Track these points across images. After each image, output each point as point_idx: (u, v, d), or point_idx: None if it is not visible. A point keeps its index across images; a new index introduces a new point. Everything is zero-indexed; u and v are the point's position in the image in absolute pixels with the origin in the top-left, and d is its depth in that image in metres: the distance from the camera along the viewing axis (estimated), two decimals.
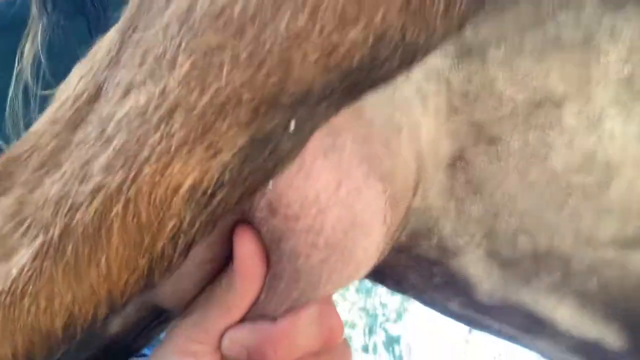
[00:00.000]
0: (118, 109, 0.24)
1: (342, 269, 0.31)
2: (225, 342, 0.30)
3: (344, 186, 0.29)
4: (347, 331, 2.56)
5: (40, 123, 0.28)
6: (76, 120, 0.27)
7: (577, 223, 0.32)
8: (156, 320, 0.37)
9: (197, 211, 0.23)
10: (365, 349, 2.58)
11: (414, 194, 0.34)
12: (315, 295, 0.30)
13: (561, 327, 0.35)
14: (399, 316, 2.97)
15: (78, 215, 0.23)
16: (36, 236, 0.24)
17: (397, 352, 2.61)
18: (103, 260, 0.23)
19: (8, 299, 0.23)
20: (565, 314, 0.34)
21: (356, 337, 2.58)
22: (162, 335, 0.36)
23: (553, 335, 0.35)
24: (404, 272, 0.38)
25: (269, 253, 0.29)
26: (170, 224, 0.23)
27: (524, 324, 0.36)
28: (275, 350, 0.30)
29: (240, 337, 0.30)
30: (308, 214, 0.28)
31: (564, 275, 0.34)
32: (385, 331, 2.78)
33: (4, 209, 0.25)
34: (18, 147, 0.28)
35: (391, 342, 2.68)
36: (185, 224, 0.23)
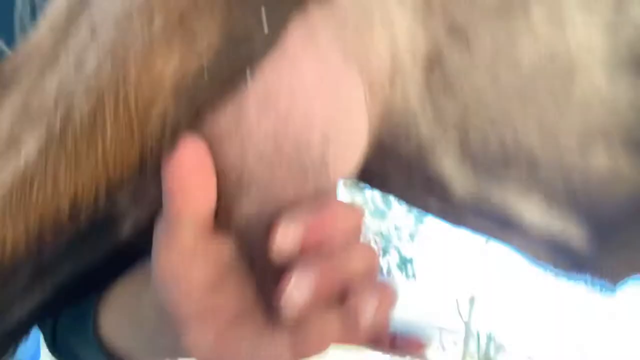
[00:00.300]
0: (107, 3, 0.26)
1: (342, 153, 0.32)
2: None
3: (326, 76, 0.31)
4: None
5: (41, 28, 0.30)
6: (71, 16, 0.29)
7: (541, 117, 0.34)
8: None
9: (181, 104, 0.26)
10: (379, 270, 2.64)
11: (391, 86, 0.35)
12: (328, 185, 0.32)
13: (529, 224, 0.37)
14: (412, 238, 3.03)
15: (76, 113, 0.26)
16: (41, 131, 0.27)
17: (410, 272, 2.68)
18: (100, 152, 0.26)
19: (20, 186, 0.27)
20: (534, 211, 0.37)
21: None
22: None
23: (524, 232, 0.38)
24: (387, 172, 0.40)
25: (269, 154, 0.29)
26: (156, 119, 0.26)
27: (498, 220, 0.39)
28: (330, 226, 0.30)
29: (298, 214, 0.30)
30: (300, 106, 0.30)
31: (531, 174, 0.36)
32: (399, 252, 2.82)
33: (14, 105, 0.28)
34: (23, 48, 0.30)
35: (404, 262, 2.74)
36: (170, 116, 0.26)
